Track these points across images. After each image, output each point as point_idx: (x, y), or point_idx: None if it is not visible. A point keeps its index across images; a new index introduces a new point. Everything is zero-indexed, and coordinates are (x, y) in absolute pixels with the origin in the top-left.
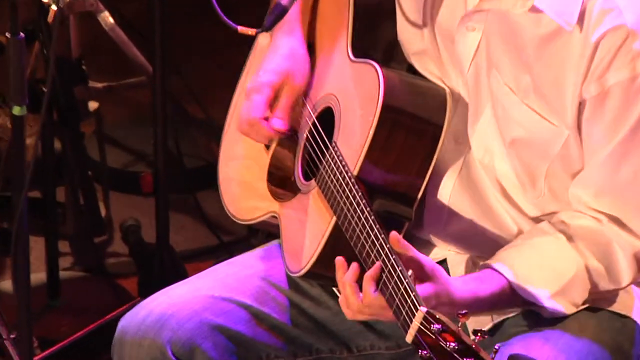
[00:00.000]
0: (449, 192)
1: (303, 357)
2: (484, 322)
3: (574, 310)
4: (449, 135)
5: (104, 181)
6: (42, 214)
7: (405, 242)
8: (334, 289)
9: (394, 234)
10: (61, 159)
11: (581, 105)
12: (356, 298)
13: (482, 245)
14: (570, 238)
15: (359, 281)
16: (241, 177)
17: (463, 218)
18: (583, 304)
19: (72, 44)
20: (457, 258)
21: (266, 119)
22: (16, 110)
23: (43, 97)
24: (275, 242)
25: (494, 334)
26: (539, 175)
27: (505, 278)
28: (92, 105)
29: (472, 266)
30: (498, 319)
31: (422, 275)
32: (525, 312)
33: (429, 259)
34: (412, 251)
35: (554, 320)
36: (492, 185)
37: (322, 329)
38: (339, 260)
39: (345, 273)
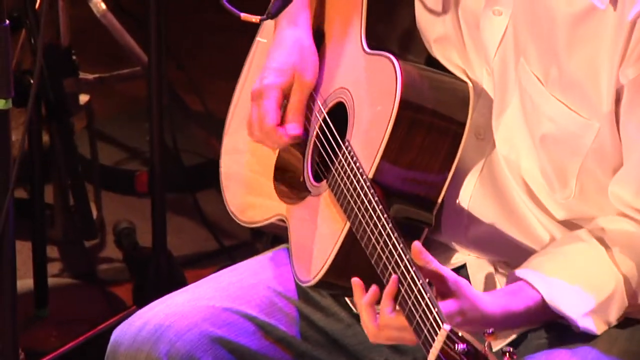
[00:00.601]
0: (469, 193)
1: None
2: (506, 332)
3: (605, 329)
4: (469, 131)
5: (95, 180)
6: (29, 216)
7: (428, 255)
8: (347, 299)
9: (416, 245)
10: (49, 156)
11: (618, 93)
12: (373, 325)
13: (506, 250)
14: (608, 247)
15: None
16: (245, 176)
17: (485, 221)
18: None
19: (62, 32)
20: (477, 263)
21: (280, 123)
22: (1, 103)
23: (30, 90)
24: (282, 247)
25: (517, 347)
26: (571, 174)
27: (539, 293)
28: (83, 98)
29: (494, 272)
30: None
31: (445, 290)
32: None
33: (452, 273)
34: (434, 264)
35: (582, 333)
36: (517, 185)
37: (333, 343)
38: (356, 281)
39: (363, 294)
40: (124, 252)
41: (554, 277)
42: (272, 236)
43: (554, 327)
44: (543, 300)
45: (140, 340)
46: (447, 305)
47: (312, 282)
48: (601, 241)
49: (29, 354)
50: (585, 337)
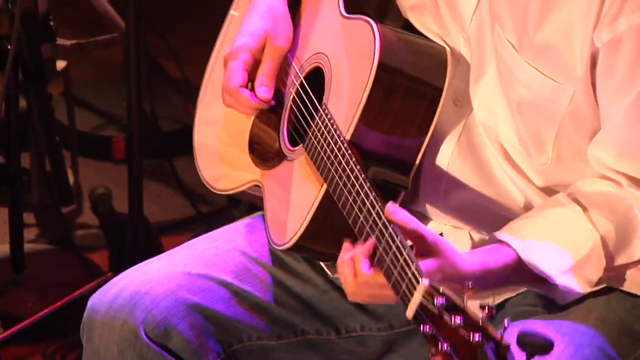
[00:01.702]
0: (447, 159)
1: (287, 339)
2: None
3: (588, 289)
4: (447, 97)
5: (72, 146)
6: (5, 182)
7: (404, 213)
8: (323, 264)
9: (389, 206)
10: (26, 122)
11: (594, 57)
12: (353, 280)
13: (485, 218)
14: (585, 209)
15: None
16: (219, 144)
17: (463, 187)
18: (599, 283)
19: None
20: (455, 233)
21: (251, 88)
22: None
23: (7, 56)
24: (258, 214)
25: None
26: (547, 139)
27: (515, 251)
28: (60, 64)
29: (471, 242)
30: (500, 298)
31: (424, 249)
32: (528, 290)
33: (431, 231)
34: (413, 223)
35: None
36: (496, 151)
37: (308, 309)
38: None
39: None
40: (100, 219)
41: (531, 237)
42: (249, 204)
43: (532, 295)
44: (520, 259)
45: (116, 307)
46: (427, 264)
47: (288, 245)
48: (579, 203)
49: (6, 319)
50: (562, 308)
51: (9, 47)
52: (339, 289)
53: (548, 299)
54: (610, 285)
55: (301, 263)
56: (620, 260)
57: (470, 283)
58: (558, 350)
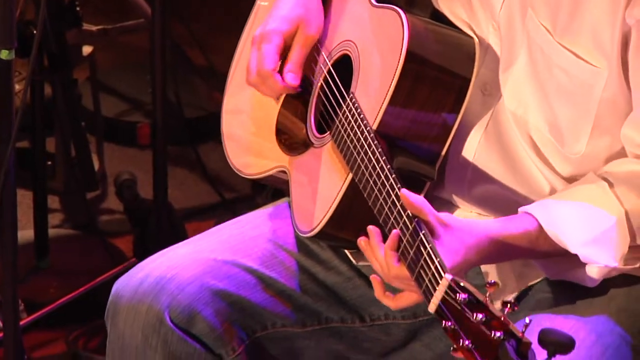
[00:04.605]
0: (474, 148)
1: (312, 326)
2: (509, 289)
3: (613, 263)
4: (475, 86)
5: (97, 132)
6: (30, 167)
7: (419, 203)
8: (347, 252)
9: (403, 190)
10: (52, 107)
11: (626, 38)
12: (386, 271)
13: (510, 207)
14: (612, 185)
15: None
16: (246, 131)
17: (489, 177)
18: (628, 263)
19: None
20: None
21: (279, 71)
22: (4, 54)
23: (33, 41)
24: (284, 200)
25: (519, 302)
26: (584, 128)
27: (537, 220)
28: (86, 49)
29: None
30: (523, 286)
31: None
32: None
33: (439, 218)
34: (430, 216)
35: (582, 289)
36: (524, 141)
37: (332, 296)
38: (372, 229)
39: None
40: (125, 204)
41: (555, 208)
42: (273, 190)
43: (555, 283)
44: (541, 228)
45: (142, 292)
46: (444, 244)
47: (313, 233)
48: (606, 180)
49: (29, 305)
50: (584, 294)
51: (34, 32)
52: (363, 276)
53: (570, 286)
54: (634, 273)
55: (326, 250)
56: None
57: (493, 280)
58: (579, 338)
